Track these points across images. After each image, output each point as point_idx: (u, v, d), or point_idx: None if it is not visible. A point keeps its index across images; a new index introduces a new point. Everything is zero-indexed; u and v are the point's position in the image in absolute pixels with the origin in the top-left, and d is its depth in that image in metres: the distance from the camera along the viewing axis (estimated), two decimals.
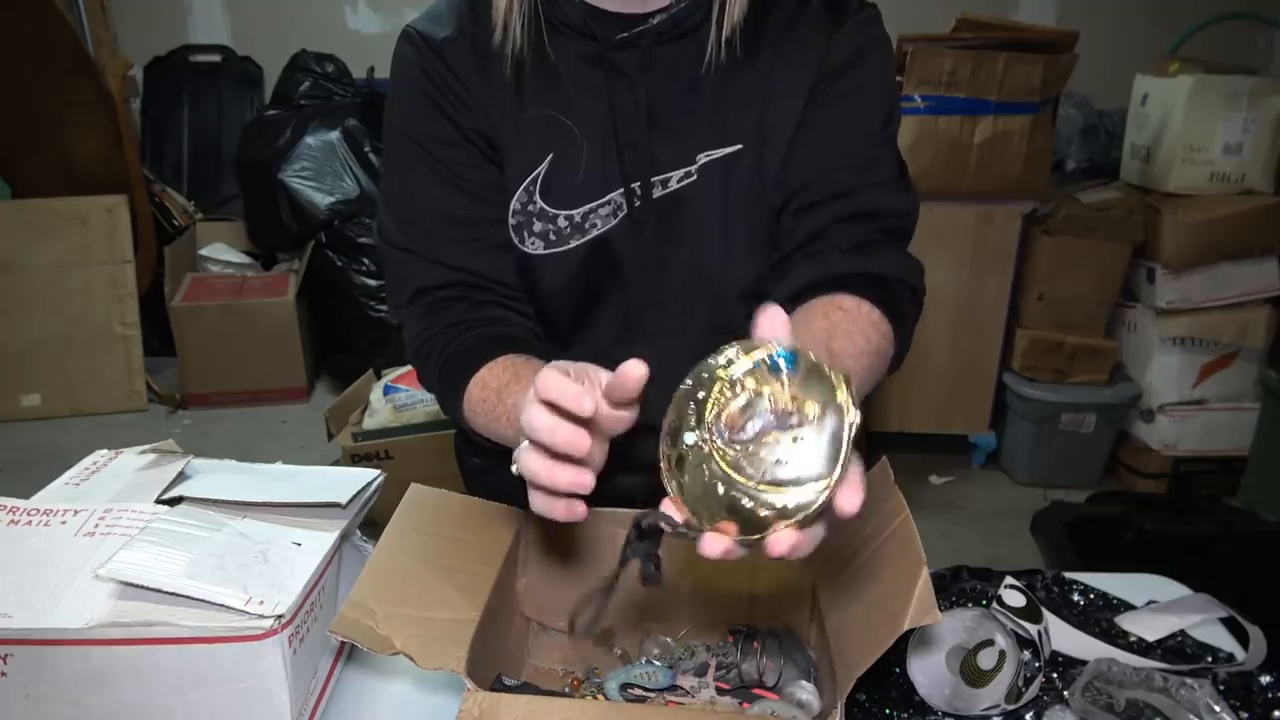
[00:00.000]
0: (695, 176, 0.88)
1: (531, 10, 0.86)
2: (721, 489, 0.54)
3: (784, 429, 0.54)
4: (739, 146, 0.88)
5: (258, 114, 3.66)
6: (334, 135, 3.38)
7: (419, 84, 0.89)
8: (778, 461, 0.53)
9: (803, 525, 0.53)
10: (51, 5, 3.18)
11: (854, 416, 0.53)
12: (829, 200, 0.87)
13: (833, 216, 0.87)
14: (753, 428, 0.54)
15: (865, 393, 0.78)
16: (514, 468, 0.68)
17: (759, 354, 0.55)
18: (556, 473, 0.63)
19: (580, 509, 0.65)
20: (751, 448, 0.54)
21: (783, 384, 0.54)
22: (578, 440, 0.61)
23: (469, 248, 0.90)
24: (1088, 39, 2.66)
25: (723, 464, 0.55)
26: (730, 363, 0.56)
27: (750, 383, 0.55)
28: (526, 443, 0.65)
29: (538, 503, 0.66)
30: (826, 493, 0.52)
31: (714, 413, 0.55)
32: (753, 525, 0.53)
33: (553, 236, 0.90)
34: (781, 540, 0.53)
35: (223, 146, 3.86)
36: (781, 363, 0.55)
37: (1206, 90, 2.63)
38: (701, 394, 0.56)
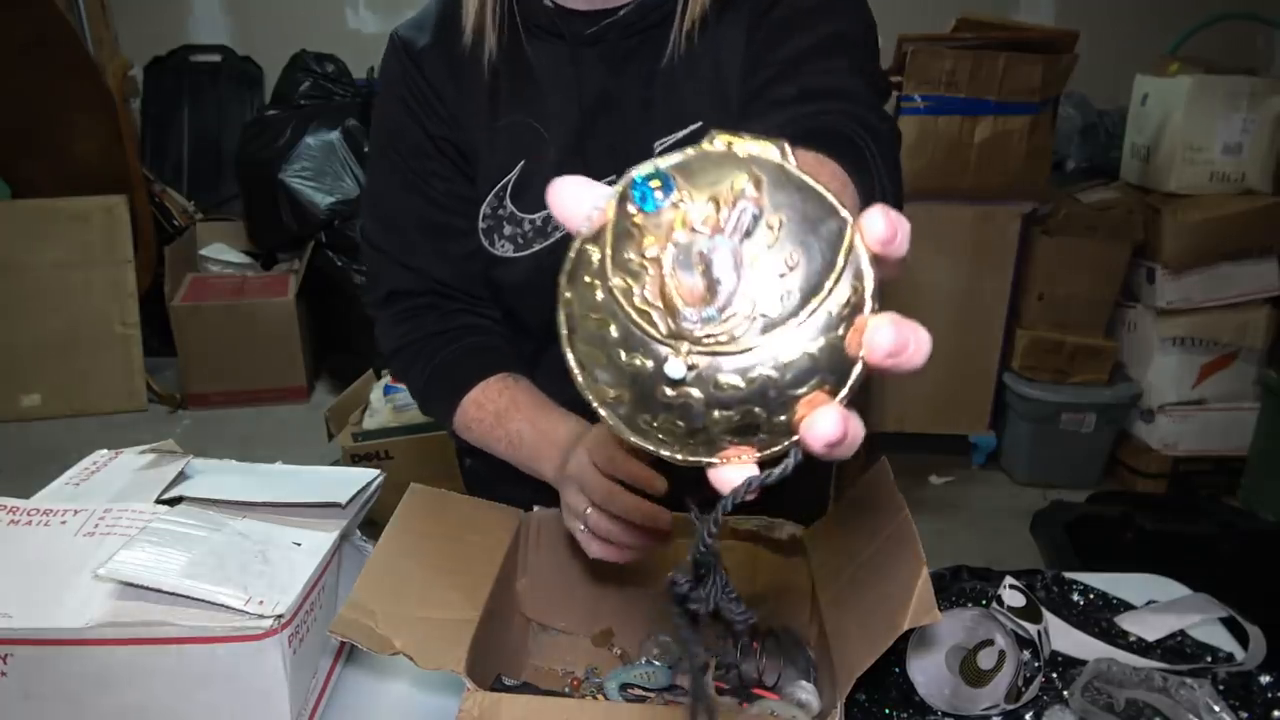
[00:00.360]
0: None
1: (505, 13, 0.86)
2: (776, 373, 0.35)
3: (747, 234, 0.35)
4: (697, 125, 0.86)
5: (258, 114, 3.66)
6: (334, 135, 3.38)
7: (398, 91, 0.91)
8: (782, 274, 0.35)
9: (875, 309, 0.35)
10: (52, 5, 3.18)
11: (779, 147, 0.36)
12: (759, 93, 0.78)
13: (764, 101, 0.77)
14: (724, 271, 0.35)
15: None
16: (579, 525, 0.75)
17: (612, 219, 0.36)
18: (641, 537, 0.72)
19: (636, 554, 0.75)
20: (745, 289, 0.35)
21: (682, 203, 0.36)
22: (662, 517, 0.71)
23: (439, 257, 0.93)
24: (1088, 39, 2.66)
25: (741, 348, 0.35)
26: (599, 264, 0.36)
27: (649, 245, 0.36)
28: (592, 508, 0.73)
29: (597, 550, 0.75)
30: (855, 237, 0.35)
31: (659, 317, 0.36)
32: (838, 361, 0.35)
33: (520, 240, 0.91)
34: (879, 340, 0.34)
35: (223, 146, 3.86)
36: (653, 189, 0.36)
37: (1206, 90, 2.63)
38: (615, 330, 0.36)
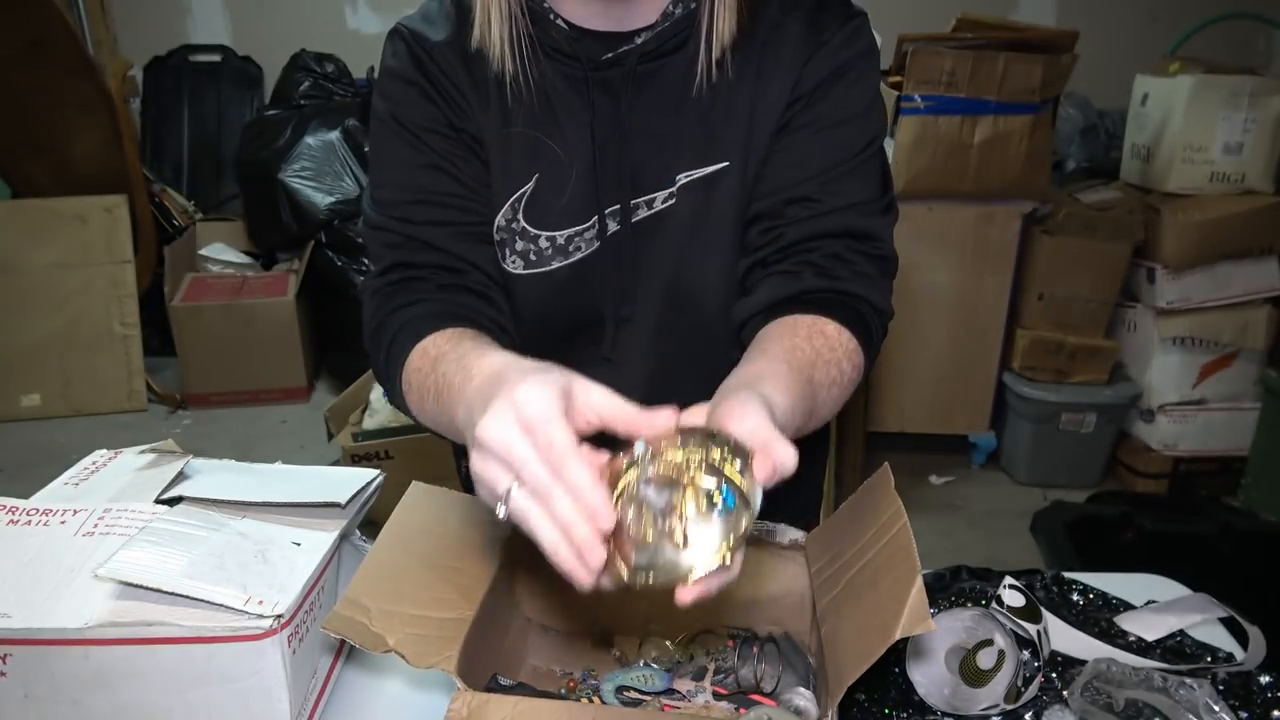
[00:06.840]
0: (675, 199, 0.87)
1: (517, 34, 0.84)
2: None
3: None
4: (724, 164, 0.86)
5: (258, 114, 3.66)
6: (334, 135, 3.38)
7: (412, 76, 0.87)
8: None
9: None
10: (52, 5, 3.18)
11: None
12: (804, 218, 0.85)
13: (807, 232, 0.85)
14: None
15: (825, 420, 0.81)
16: (502, 492, 0.59)
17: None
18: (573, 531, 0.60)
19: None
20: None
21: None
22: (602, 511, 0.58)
23: (450, 230, 0.86)
24: (1088, 39, 2.66)
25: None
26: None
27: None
28: (516, 486, 0.58)
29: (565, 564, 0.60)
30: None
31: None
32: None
33: (533, 257, 0.89)
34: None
35: (223, 146, 3.86)
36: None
37: (1206, 90, 2.63)
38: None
